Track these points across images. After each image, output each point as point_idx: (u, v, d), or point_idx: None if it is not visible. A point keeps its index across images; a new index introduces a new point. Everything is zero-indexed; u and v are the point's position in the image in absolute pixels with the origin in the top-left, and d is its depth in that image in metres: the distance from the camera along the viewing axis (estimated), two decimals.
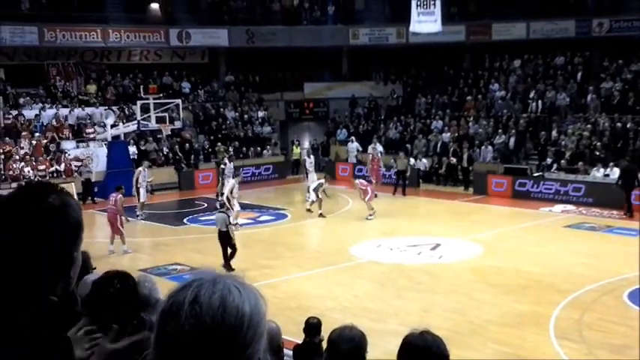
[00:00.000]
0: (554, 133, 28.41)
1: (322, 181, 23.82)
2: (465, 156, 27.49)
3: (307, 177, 26.31)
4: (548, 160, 26.61)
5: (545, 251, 17.92)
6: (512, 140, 28.92)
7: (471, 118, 31.89)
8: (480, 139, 29.98)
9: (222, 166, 26.40)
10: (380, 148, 30.70)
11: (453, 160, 28.64)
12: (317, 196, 23.19)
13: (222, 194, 22.10)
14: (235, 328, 1.46)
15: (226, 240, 16.61)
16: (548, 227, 21.19)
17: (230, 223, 17.04)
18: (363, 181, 23.90)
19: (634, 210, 22.08)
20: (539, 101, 30.84)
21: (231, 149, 31.31)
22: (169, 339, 1.47)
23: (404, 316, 12.69)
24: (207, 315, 1.45)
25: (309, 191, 23.94)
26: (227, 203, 20.50)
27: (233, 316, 1.46)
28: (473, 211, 23.95)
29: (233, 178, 23.53)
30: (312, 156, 26.77)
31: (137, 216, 22.18)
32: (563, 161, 26.15)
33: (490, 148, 29.06)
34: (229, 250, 16.66)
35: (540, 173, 26.25)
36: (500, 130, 29.77)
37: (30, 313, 1.82)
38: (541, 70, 33.18)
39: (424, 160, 29.97)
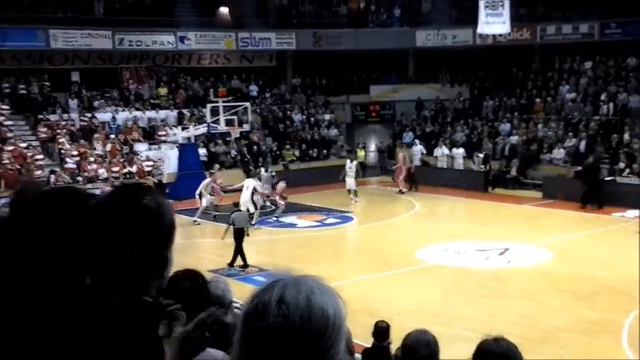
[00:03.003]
0: (626, 136, 27.68)
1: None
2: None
3: (345, 181, 26.55)
4: (621, 164, 25.99)
5: (618, 257, 17.50)
6: (582, 143, 28.34)
7: (540, 121, 31.40)
8: (550, 142, 29.49)
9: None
10: (446, 150, 30.88)
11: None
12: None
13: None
14: (321, 329, 1.46)
15: (241, 238, 17.08)
16: (620, 233, 20.67)
17: (248, 221, 17.77)
18: (283, 185, 24.14)
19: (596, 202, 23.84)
20: (611, 104, 30.13)
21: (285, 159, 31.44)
22: (256, 339, 1.47)
23: (472, 321, 12.58)
24: (295, 315, 1.45)
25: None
26: (198, 199, 21.48)
27: (319, 317, 1.47)
28: (542, 216, 23.54)
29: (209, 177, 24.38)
30: (354, 161, 27.04)
31: (194, 221, 22.52)
32: (635, 165, 25.48)
33: (561, 151, 28.56)
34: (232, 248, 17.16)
35: (612, 177, 25.64)
36: (570, 133, 29.20)
37: (125, 314, 1.87)
38: (613, 72, 32.41)
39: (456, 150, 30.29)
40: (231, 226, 17.20)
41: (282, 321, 1.45)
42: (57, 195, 2.16)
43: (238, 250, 17.17)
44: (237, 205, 18.50)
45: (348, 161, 27.17)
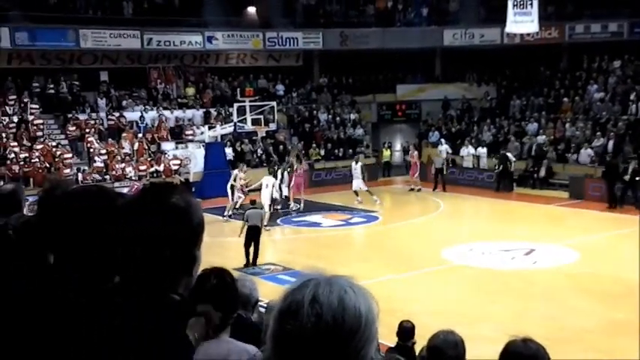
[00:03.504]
0: None
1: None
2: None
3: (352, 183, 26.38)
4: None
5: None
6: (610, 143, 28.07)
7: (568, 120, 31.15)
8: (577, 142, 29.25)
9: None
10: (472, 149, 30.72)
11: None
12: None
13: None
14: (354, 328, 1.47)
15: (257, 236, 17.08)
16: None
17: (262, 218, 17.70)
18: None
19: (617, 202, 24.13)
20: None
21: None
22: (290, 338, 1.48)
23: (497, 322, 12.54)
24: (328, 314, 1.46)
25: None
26: (229, 192, 21.38)
27: (352, 316, 1.47)
28: (569, 216, 23.40)
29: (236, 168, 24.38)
30: (359, 162, 26.69)
31: (223, 216, 22.70)
32: None
33: (589, 150, 28.29)
34: (252, 249, 17.16)
35: None
36: (598, 133, 28.94)
37: (152, 312, 1.88)
38: None
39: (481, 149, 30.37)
40: (247, 224, 17.17)
41: (316, 320, 1.46)
42: (85, 194, 2.19)
43: (246, 249, 17.12)
44: (254, 203, 18.48)
45: (354, 163, 26.86)
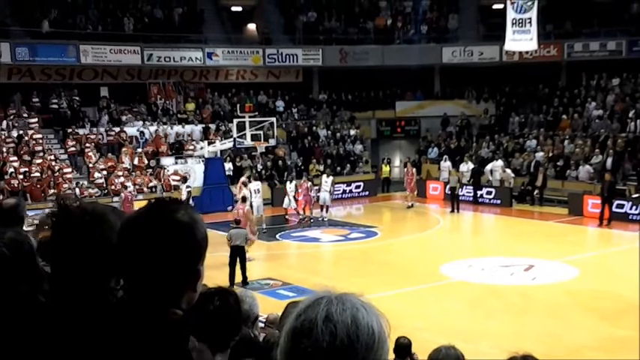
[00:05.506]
0: None
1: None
2: None
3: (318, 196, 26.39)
4: None
5: None
6: (609, 160, 28.12)
7: (567, 138, 31.23)
8: (576, 159, 29.31)
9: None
10: (472, 165, 30.73)
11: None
12: None
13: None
14: (369, 346, 1.47)
15: (242, 256, 16.77)
16: None
17: (248, 238, 17.36)
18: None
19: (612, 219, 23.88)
20: (638, 120, 29.89)
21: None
22: (304, 356, 1.46)
23: (496, 338, 12.54)
24: (342, 332, 1.45)
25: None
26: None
27: (366, 334, 1.47)
28: (568, 233, 23.39)
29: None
30: (330, 177, 27.06)
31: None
32: None
33: (587, 167, 28.32)
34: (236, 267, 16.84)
35: (639, 194, 25.43)
36: (597, 150, 29.01)
37: (155, 327, 1.89)
38: None
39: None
40: (229, 243, 16.76)
41: (330, 339, 1.45)
42: (95, 210, 2.21)
43: (231, 269, 16.66)
44: (238, 222, 18.20)
45: (325, 176, 27.13)
